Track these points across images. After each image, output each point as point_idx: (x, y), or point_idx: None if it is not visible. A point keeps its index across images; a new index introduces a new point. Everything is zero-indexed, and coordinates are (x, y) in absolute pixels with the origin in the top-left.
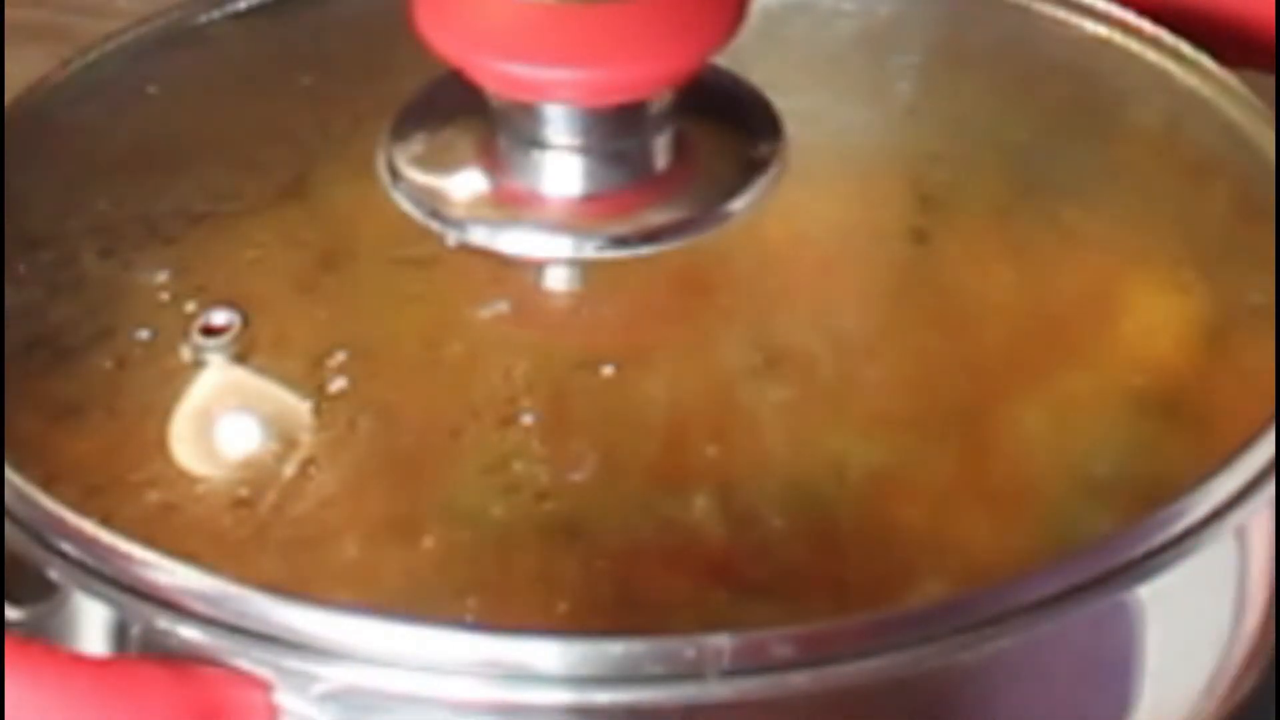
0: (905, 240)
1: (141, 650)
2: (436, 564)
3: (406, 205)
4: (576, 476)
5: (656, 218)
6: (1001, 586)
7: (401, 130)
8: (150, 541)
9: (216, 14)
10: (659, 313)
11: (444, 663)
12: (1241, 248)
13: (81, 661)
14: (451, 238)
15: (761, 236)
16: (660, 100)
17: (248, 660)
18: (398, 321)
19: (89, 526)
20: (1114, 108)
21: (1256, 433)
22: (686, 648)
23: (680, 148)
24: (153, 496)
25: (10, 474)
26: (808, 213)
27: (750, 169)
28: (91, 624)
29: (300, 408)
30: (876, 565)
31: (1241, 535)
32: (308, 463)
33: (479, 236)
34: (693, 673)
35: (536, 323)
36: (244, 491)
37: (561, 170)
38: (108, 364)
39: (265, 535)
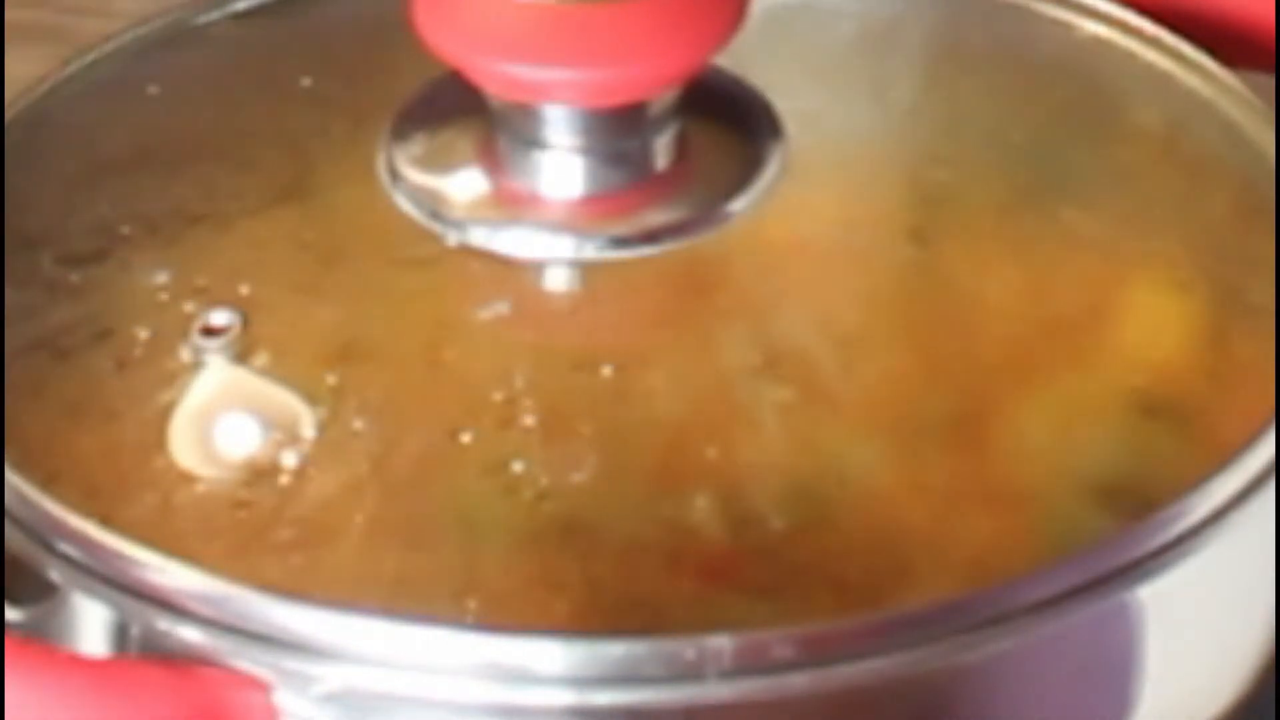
0: (905, 241)
1: (141, 651)
2: (436, 565)
3: (407, 206)
4: (576, 477)
5: (657, 218)
6: (1002, 587)
7: (402, 130)
8: (150, 542)
9: (216, 14)
10: (659, 313)
11: (444, 664)
12: (1242, 248)
13: (81, 662)
14: (452, 238)
15: (762, 237)
16: (660, 101)
17: (247, 661)
18: (398, 322)
19: (89, 527)
20: (1114, 108)
21: (1256, 433)
22: (687, 648)
23: (680, 148)
24: (152, 497)
25: (10, 474)
26: (808, 213)
27: (750, 169)
28: (91, 625)
29: (300, 408)
30: (877, 566)
31: (1241, 536)
32: (308, 463)
33: (479, 237)
34: (693, 674)
35: (537, 323)
36: (244, 492)
37: (562, 171)
38: (108, 365)
39: (265, 536)
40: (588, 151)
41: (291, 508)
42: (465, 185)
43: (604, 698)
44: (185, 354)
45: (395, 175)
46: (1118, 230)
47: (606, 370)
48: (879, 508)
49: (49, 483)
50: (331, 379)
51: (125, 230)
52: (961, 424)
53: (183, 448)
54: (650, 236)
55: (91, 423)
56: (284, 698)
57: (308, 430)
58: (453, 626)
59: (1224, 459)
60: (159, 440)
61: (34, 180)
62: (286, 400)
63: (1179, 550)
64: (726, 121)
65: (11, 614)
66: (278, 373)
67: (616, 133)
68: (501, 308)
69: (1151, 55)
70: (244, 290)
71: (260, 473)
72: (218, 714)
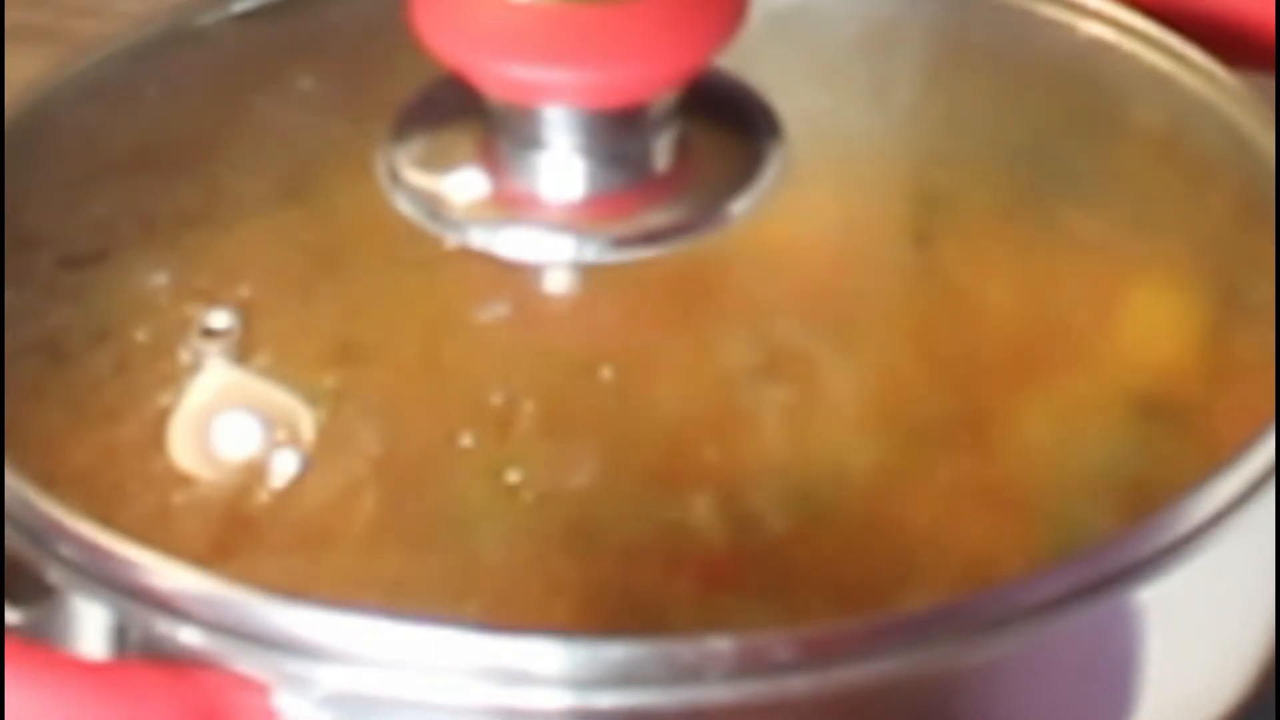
0: (906, 242)
1: (141, 653)
2: (436, 566)
3: (406, 207)
4: (576, 479)
5: (657, 220)
6: (1003, 589)
7: (401, 132)
8: (149, 544)
9: (216, 14)
10: (659, 315)
11: (444, 666)
12: (1242, 249)
13: (81, 665)
14: (451, 239)
15: (762, 239)
16: (661, 102)
17: (247, 663)
18: (398, 323)
19: (88, 529)
20: (1115, 109)
21: (1256, 434)
22: (687, 650)
23: (681, 149)
24: (152, 499)
25: (10, 476)
26: (809, 215)
27: (751, 171)
28: (91, 627)
29: (300, 410)
30: (878, 567)
31: (1242, 537)
32: (307, 464)
33: (479, 238)
34: (694, 675)
35: (536, 325)
36: (243, 494)
37: (561, 172)
38: (107, 366)
39: (264, 538)
40: (588, 153)
41: (291, 509)
42: (465, 186)
43: (604, 699)
44: (185, 355)
45: (395, 176)
46: (1118, 231)
47: (606, 372)
48: (879, 509)
49: (48, 484)
50: (331, 380)
51: (125, 230)
52: (962, 425)
53: (182, 449)
54: (650, 238)
55: (91, 424)
56: (283, 699)
57: (307, 431)
58: (453, 627)
59: (1224, 459)
60: (158, 442)
61: (34, 180)
62: (286, 401)
63: (1179, 551)
64: (727, 123)
65: (11, 616)
66: (277, 374)
67: (617, 134)
68: (501, 309)
69: (1152, 56)
70: (244, 291)
71: (260, 474)
72: (217, 716)
